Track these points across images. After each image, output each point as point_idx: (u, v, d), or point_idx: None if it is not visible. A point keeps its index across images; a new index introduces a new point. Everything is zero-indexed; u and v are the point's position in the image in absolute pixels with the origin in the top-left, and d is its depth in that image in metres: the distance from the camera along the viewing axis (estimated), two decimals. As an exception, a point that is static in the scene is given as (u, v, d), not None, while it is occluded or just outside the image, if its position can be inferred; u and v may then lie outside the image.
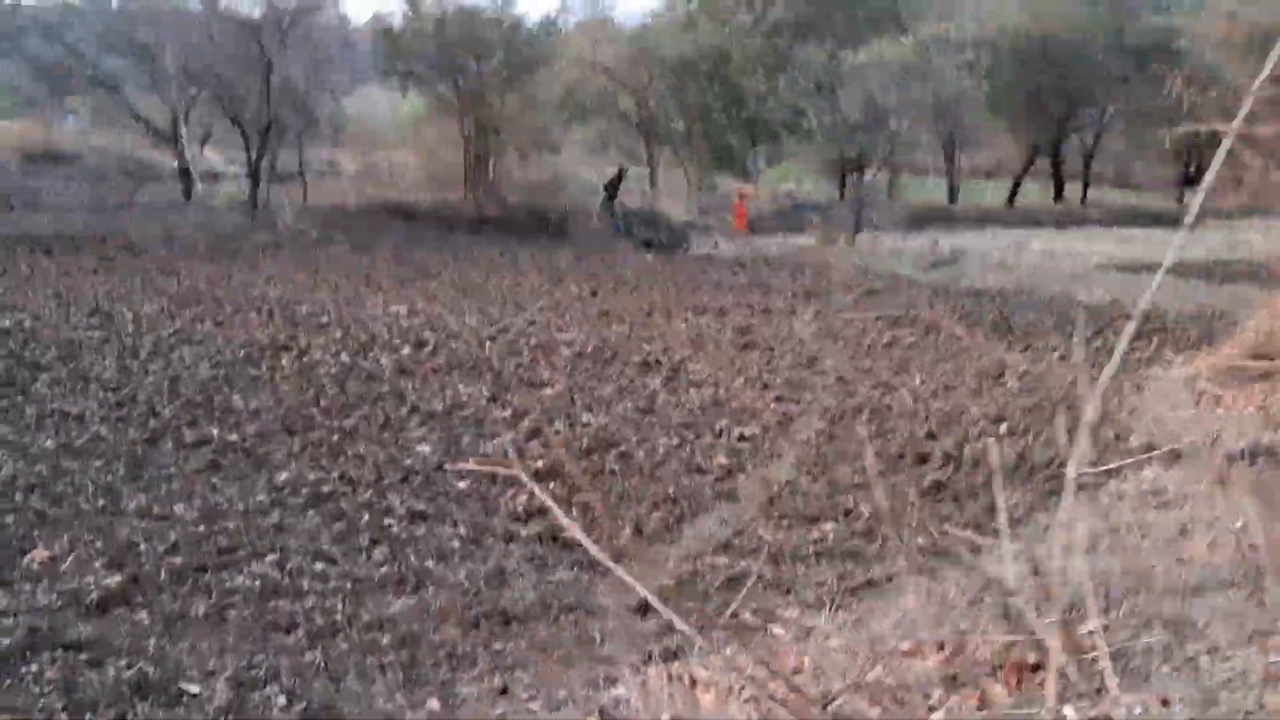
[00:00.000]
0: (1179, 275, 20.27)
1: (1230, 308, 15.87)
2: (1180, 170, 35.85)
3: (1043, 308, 16.39)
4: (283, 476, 7.03)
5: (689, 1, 32.54)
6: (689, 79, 28.96)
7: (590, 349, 11.52)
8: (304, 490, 6.78)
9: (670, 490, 7.06)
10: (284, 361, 10.33)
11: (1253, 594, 4.18)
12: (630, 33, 32.03)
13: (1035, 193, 36.82)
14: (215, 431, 7.94)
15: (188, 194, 24.21)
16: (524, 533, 6.20)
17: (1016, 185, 36.13)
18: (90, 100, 26.53)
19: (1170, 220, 33.59)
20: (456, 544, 6.00)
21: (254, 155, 23.10)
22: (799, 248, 23.92)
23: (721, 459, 7.82)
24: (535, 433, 8.29)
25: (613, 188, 25.37)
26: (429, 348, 11.26)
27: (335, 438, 7.99)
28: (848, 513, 6.77)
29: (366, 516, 6.36)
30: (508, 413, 8.89)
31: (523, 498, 6.71)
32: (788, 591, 5.44)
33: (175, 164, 24.73)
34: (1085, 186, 37.01)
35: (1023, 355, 12.61)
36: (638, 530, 6.27)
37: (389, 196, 24.72)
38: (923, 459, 8.05)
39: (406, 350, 11.07)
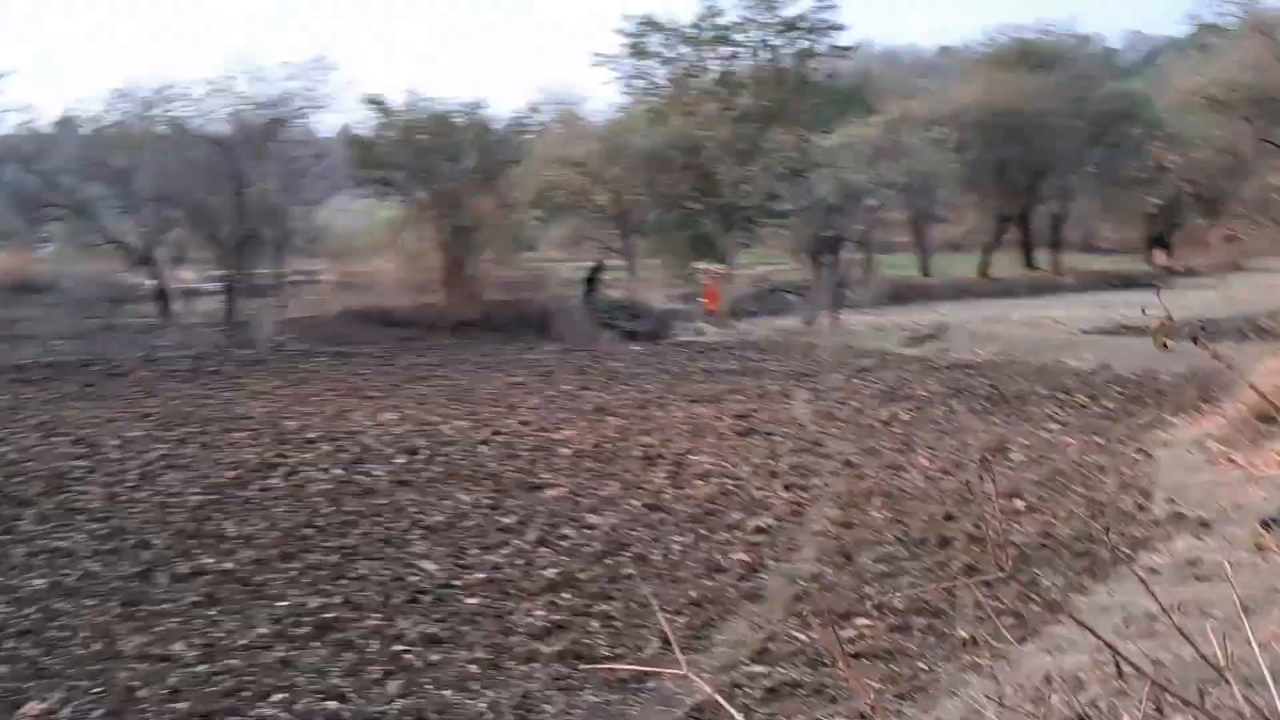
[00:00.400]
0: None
1: (1220, 367, 15.85)
2: (1150, 231, 36.35)
3: (1034, 377, 16.32)
4: (283, 605, 6.70)
5: (654, 96, 33.08)
6: (661, 170, 29.23)
7: (589, 446, 11.27)
8: (307, 619, 6.45)
9: (692, 593, 6.78)
10: (274, 480, 10.00)
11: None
12: (601, 129, 32.45)
13: (1005, 263, 37.17)
14: (210, 560, 7.61)
15: (166, 314, 23.97)
16: (545, 650, 5.89)
17: (988, 256, 36.44)
18: (66, 226, 26.38)
19: (1143, 283, 34.01)
20: (475, 669, 5.68)
21: (230, 271, 22.99)
22: (782, 331, 23.91)
23: (740, 555, 7.55)
24: (542, 540, 8.01)
25: (591, 281, 25.43)
26: (423, 456, 10.97)
27: (334, 559, 7.68)
28: (879, 606, 6.50)
29: (376, 644, 6.03)
30: (512, 519, 8.61)
31: (540, 612, 6.41)
32: (833, 699, 5.15)
33: (154, 284, 24.54)
34: (1056, 253, 37.39)
35: (1021, 428, 12.47)
36: (665, 640, 5.96)
37: (368, 303, 24.56)
38: (945, 542, 7.82)
39: (400, 460, 10.78)
